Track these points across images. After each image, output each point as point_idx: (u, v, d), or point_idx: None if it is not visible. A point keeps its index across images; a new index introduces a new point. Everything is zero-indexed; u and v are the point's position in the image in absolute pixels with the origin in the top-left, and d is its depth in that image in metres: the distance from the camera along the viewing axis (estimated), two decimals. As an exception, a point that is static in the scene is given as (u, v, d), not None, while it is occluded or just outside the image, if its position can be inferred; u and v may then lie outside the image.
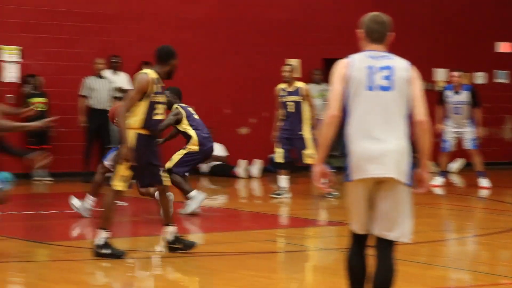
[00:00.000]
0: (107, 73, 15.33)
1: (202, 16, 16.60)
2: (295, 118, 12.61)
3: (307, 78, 17.10)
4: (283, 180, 12.74)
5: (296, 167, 13.42)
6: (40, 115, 13.73)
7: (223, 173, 16.25)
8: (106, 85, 15.04)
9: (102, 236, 7.84)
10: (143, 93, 7.84)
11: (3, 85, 14.77)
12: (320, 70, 17.26)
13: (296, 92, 12.64)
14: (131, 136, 7.83)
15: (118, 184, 7.89)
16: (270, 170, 16.02)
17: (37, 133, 14.35)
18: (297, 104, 12.62)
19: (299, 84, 12.75)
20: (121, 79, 15.45)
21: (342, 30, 16.88)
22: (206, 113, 16.73)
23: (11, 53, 14.89)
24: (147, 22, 16.07)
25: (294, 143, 12.62)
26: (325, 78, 16.40)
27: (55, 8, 15.26)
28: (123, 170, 7.86)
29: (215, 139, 16.82)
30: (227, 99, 16.94)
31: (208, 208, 12.09)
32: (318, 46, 17.50)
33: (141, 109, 7.86)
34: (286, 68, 12.80)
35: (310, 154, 12.46)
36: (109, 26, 15.73)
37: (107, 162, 10.29)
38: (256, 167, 16.40)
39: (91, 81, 15.01)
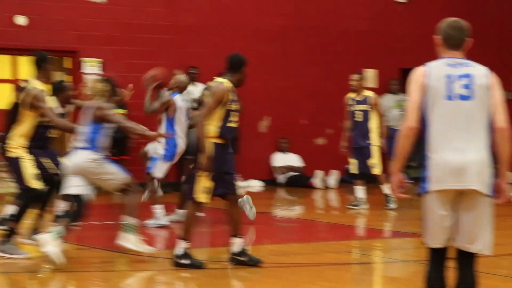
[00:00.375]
0: (185, 84, 15.49)
1: (279, 26, 16.66)
2: (362, 127, 12.57)
3: (384, 88, 17.02)
4: (360, 191, 12.69)
5: (374, 178, 13.33)
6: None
7: (300, 184, 16.25)
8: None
9: (181, 246, 7.91)
10: (219, 102, 7.90)
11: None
12: (397, 80, 17.15)
13: (364, 101, 12.61)
14: (208, 146, 7.88)
15: (201, 196, 7.91)
16: (347, 180, 15.95)
17: (117, 144, 14.56)
18: (365, 113, 12.58)
19: (368, 93, 12.71)
20: (199, 90, 15.59)
21: (419, 39, 16.74)
22: (283, 123, 16.82)
23: (92, 66, 15.18)
24: (225, 33, 16.20)
25: (362, 153, 12.57)
26: (402, 88, 16.28)
27: (135, 20, 15.51)
28: (205, 181, 7.90)
29: (292, 150, 16.91)
30: (304, 110, 16.95)
31: (284, 219, 12.10)
32: (395, 55, 17.40)
33: (217, 118, 7.92)
34: (354, 77, 12.79)
35: (373, 164, 12.43)
36: (187, 37, 15.92)
37: (156, 174, 10.54)
38: (333, 177, 16.35)
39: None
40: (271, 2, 16.66)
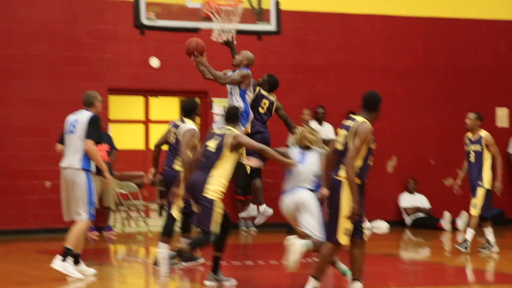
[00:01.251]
0: (312, 123, 15.57)
1: (408, 65, 16.57)
2: (475, 167, 12.38)
3: (516, 128, 16.65)
4: (490, 233, 12.41)
5: (505, 220, 13.05)
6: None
7: (428, 225, 15.99)
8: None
9: (311, 284, 7.89)
10: (364, 142, 7.84)
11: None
12: (530, 120, 16.76)
13: (478, 141, 12.42)
14: (356, 188, 7.77)
15: (342, 238, 7.86)
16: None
17: (245, 184, 14.73)
18: (478, 153, 12.39)
19: (482, 133, 12.50)
20: (326, 130, 15.65)
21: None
22: (411, 163, 16.63)
23: (221, 105, 15.45)
24: (352, 72, 16.23)
25: (473, 193, 12.40)
26: (535, 128, 15.91)
27: (263, 60, 15.70)
28: (347, 223, 7.85)
29: (419, 190, 16.68)
30: (432, 149, 16.74)
31: (411, 261, 11.93)
32: (529, 94, 17.03)
33: (359, 157, 7.85)
34: (470, 116, 12.61)
35: (474, 204, 12.20)
36: (316, 77, 16.03)
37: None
38: (462, 219, 16.02)
39: (297, 131, 15.27)
40: (399, 41, 16.60)
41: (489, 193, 12.31)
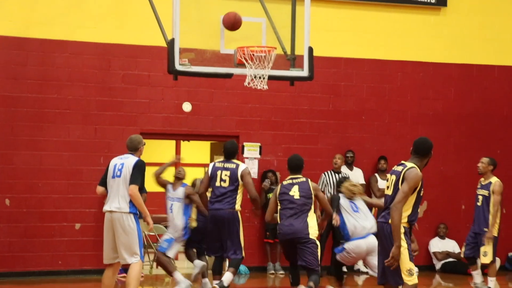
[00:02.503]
0: (343, 168, 15.55)
1: (439, 111, 16.52)
2: (481, 212, 12.40)
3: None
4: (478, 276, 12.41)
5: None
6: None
7: (457, 271, 15.86)
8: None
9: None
10: (415, 188, 7.82)
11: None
12: None
13: (486, 187, 12.41)
14: (400, 234, 7.76)
15: (408, 279, 7.79)
16: (508, 268, 15.51)
17: (274, 226, 14.71)
18: (484, 198, 12.38)
19: (493, 179, 12.47)
20: (356, 175, 15.61)
21: None
22: (442, 208, 16.52)
23: (251, 150, 15.47)
24: (384, 118, 16.20)
25: (479, 239, 12.34)
26: None
27: (295, 106, 15.75)
28: (406, 264, 7.78)
29: (450, 235, 16.53)
30: (463, 195, 16.64)
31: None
32: None
33: (409, 203, 7.83)
34: (482, 160, 12.61)
35: (484, 252, 12.15)
36: (347, 122, 16.00)
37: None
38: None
39: (327, 176, 15.27)
40: (431, 87, 16.56)
41: (495, 240, 12.26)
